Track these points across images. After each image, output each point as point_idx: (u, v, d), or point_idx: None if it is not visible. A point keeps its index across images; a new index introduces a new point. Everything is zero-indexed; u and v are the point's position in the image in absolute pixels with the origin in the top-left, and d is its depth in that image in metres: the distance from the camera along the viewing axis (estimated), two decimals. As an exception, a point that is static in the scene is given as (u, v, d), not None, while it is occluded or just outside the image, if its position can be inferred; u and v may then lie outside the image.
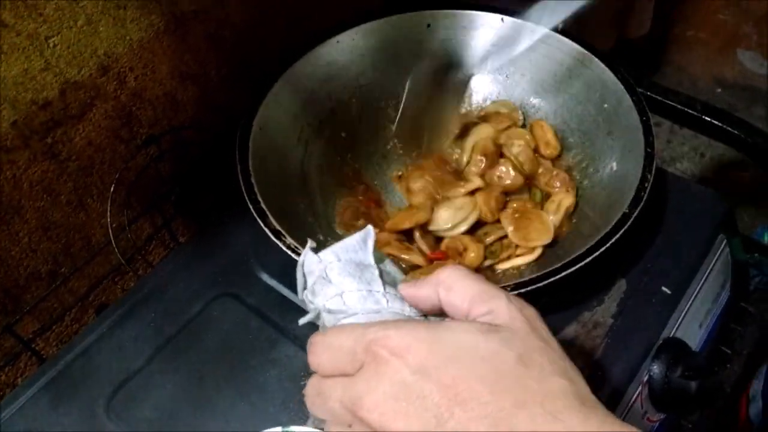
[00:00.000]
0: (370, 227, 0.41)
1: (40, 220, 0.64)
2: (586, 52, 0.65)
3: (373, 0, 0.87)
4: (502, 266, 0.62)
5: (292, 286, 0.62)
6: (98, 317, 0.62)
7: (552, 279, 0.52)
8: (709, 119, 0.65)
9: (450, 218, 0.62)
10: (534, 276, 0.53)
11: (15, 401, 0.57)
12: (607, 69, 0.64)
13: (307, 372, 0.56)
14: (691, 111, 0.66)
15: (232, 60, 0.74)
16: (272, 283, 0.63)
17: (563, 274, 0.52)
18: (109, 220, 0.66)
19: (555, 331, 0.58)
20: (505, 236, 0.63)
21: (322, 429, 0.52)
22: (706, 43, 1.44)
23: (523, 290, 0.52)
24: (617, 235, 0.54)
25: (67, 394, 0.57)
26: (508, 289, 0.51)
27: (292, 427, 0.52)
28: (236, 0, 0.71)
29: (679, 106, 0.66)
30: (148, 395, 0.56)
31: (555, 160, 0.67)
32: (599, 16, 1.08)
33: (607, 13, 1.10)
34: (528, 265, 0.61)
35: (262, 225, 0.55)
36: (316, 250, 0.41)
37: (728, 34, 1.40)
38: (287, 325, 0.60)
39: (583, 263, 0.53)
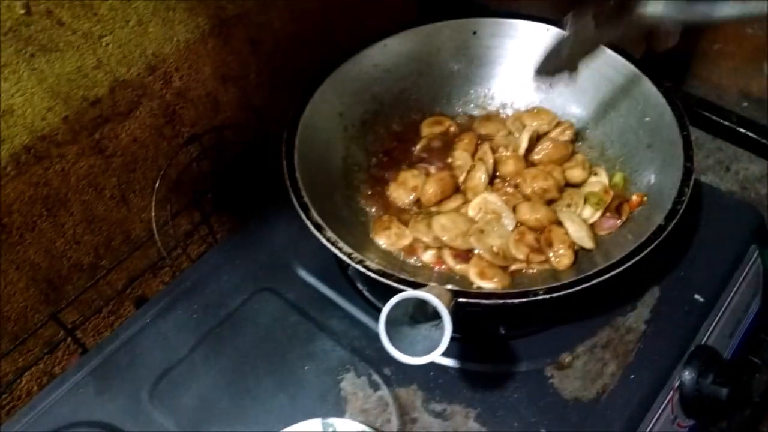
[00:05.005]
0: None
1: (84, 213, 0.66)
2: (630, 64, 0.66)
3: (407, 11, 0.89)
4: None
5: (330, 283, 0.64)
6: (141, 308, 0.64)
7: (584, 285, 0.53)
8: (744, 131, 0.66)
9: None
10: (567, 281, 0.53)
11: (60, 388, 0.59)
12: (650, 82, 0.64)
13: (344, 367, 0.58)
14: (725, 122, 0.67)
15: (271, 64, 0.76)
16: (311, 280, 0.64)
17: (596, 281, 0.53)
18: (153, 214, 0.68)
19: (588, 335, 0.59)
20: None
21: (360, 422, 0.54)
22: (733, 56, 1.43)
23: (555, 294, 0.52)
24: (651, 247, 0.54)
25: (111, 381, 0.58)
26: (541, 293, 0.52)
27: (331, 419, 0.53)
28: (277, 6, 0.73)
29: (714, 117, 0.67)
30: (190, 384, 0.57)
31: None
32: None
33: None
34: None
35: (304, 218, 0.56)
36: None
37: (755, 47, 1.39)
38: (325, 321, 0.61)
39: (615, 272, 0.53)
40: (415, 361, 0.44)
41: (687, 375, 0.58)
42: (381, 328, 0.45)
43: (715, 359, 0.59)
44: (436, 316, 0.46)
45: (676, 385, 0.58)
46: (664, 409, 0.58)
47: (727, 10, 0.53)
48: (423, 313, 0.48)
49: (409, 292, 0.45)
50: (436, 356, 0.44)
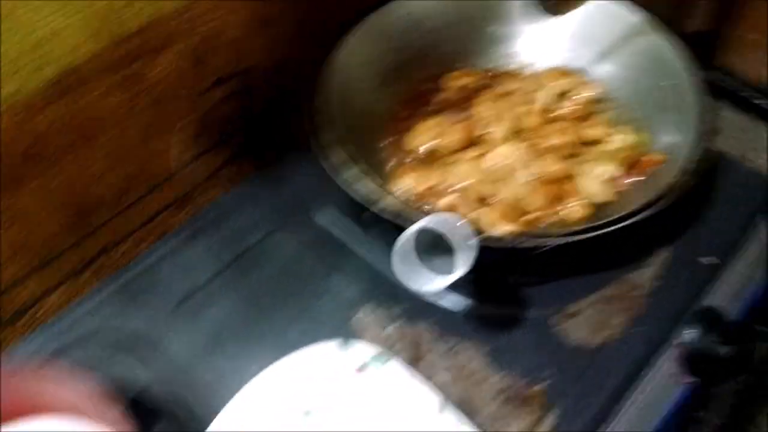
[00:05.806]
0: None
1: (110, 148, 0.67)
2: (652, 28, 0.67)
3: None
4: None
5: (346, 228, 0.66)
6: (162, 239, 0.66)
7: (599, 232, 0.55)
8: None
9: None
10: (582, 227, 0.55)
11: (89, 301, 0.62)
12: (670, 46, 0.65)
13: (357, 303, 0.59)
14: (745, 95, 0.67)
15: (303, 11, 0.76)
16: (327, 223, 0.66)
17: (610, 229, 0.55)
18: (177, 154, 0.69)
19: (596, 288, 0.61)
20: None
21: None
22: (758, 44, 1.42)
23: (570, 239, 0.54)
24: (664, 201, 0.56)
25: (135, 301, 0.61)
26: (554, 237, 0.53)
27: (352, 341, 0.54)
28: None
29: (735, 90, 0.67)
30: (208, 310, 0.60)
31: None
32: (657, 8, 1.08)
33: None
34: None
35: (322, 160, 0.58)
36: None
37: (781, 36, 1.38)
38: (339, 262, 0.63)
39: (628, 222, 0.55)
40: (426, 286, 0.45)
41: (690, 333, 0.60)
42: (396, 253, 0.46)
43: (719, 320, 0.61)
44: (449, 253, 0.47)
45: (679, 341, 0.60)
46: (664, 365, 0.59)
47: None
48: (438, 253, 0.50)
49: (429, 218, 0.46)
50: (446, 284, 0.45)
